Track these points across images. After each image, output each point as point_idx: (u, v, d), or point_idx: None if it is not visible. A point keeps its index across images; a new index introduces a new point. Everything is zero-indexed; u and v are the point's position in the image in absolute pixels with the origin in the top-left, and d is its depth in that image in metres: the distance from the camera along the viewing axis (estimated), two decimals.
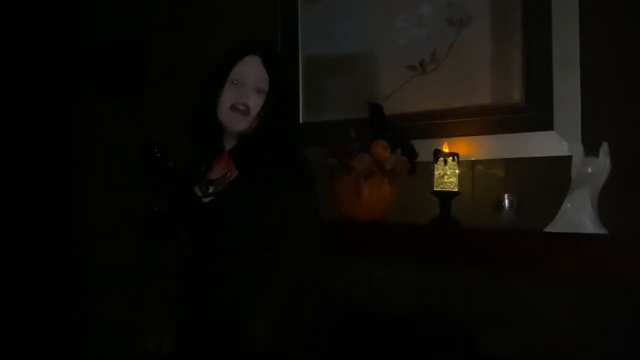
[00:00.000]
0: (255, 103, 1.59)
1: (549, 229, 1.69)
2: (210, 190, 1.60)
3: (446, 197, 1.92)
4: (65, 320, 3.12)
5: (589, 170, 1.68)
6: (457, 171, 1.93)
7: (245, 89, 1.59)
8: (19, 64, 3.02)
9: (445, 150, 1.95)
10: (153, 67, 3.02)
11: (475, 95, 2.03)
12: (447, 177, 1.92)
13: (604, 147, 1.66)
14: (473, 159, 2.02)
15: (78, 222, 3.19)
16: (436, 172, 1.94)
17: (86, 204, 3.18)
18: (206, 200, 1.60)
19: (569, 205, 1.68)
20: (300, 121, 2.46)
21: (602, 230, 1.63)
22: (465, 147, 2.01)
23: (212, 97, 1.61)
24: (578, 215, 1.65)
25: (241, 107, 1.58)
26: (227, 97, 1.60)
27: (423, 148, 2.03)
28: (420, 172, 2.03)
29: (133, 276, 2.92)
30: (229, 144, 1.65)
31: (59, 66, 3.14)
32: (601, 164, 1.67)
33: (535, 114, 1.89)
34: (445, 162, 1.92)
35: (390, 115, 2.11)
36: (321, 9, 2.43)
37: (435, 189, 1.94)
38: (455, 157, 1.93)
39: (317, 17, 2.44)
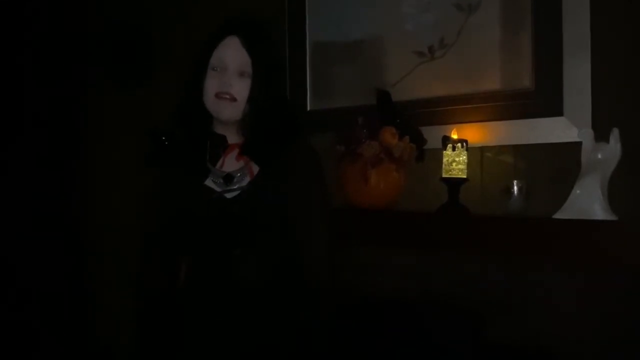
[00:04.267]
0: (240, 89, 1.51)
1: (559, 215, 1.68)
2: (236, 186, 1.54)
3: (455, 183, 1.91)
4: (70, 314, 3.14)
5: (599, 156, 1.67)
6: (465, 158, 1.92)
7: (227, 76, 1.51)
8: (26, 52, 3.03)
9: (454, 136, 1.94)
10: (161, 53, 3.01)
11: (485, 81, 2.01)
12: (456, 163, 1.91)
13: (615, 133, 1.65)
14: (482, 145, 2.00)
15: (85, 213, 3.20)
16: (445, 159, 1.93)
17: (93, 192, 3.19)
18: (230, 195, 1.54)
19: (578, 191, 1.67)
20: (308, 108, 2.45)
21: (612, 217, 1.62)
22: (474, 133, 1.99)
23: (197, 85, 1.54)
24: (588, 201, 1.64)
25: (226, 96, 1.50)
26: (210, 84, 1.52)
27: (431, 135, 2.02)
28: (428, 158, 2.02)
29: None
30: (221, 130, 1.58)
31: (67, 54, 3.14)
32: (611, 150, 1.65)
33: (545, 99, 1.88)
34: (454, 148, 1.91)
35: (399, 101, 2.10)
36: None
37: (443, 176, 1.93)
38: (464, 144, 1.92)
39: (324, 2, 2.42)
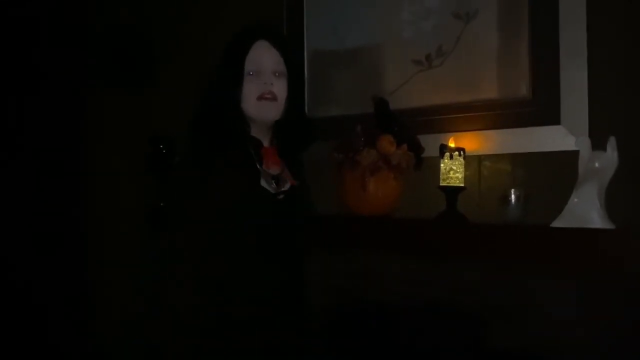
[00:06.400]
0: (280, 88, 1.55)
1: (556, 223, 1.68)
2: (284, 188, 1.57)
3: (452, 192, 1.92)
4: (72, 316, 3.13)
5: (597, 164, 1.67)
6: (463, 166, 1.93)
7: (266, 76, 1.54)
8: (25, 55, 3.03)
9: (452, 145, 1.94)
10: (159, 58, 3.01)
11: (482, 90, 2.02)
12: (453, 172, 1.92)
13: (612, 141, 1.65)
14: (479, 153, 2.01)
15: (85, 215, 3.20)
16: (442, 167, 1.93)
17: (93, 196, 3.19)
18: (280, 197, 1.56)
19: (576, 199, 1.67)
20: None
21: (610, 225, 1.62)
22: (472, 141, 2.00)
23: (234, 91, 1.54)
24: (585, 209, 1.64)
25: (268, 96, 1.53)
26: (250, 89, 1.54)
27: (429, 143, 2.02)
28: (426, 167, 2.03)
29: (139, 271, 2.93)
30: (256, 135, 1.60)
31: (65, 58, 3.14)
32: (609, 158, 1.66)
33: (542, 108, 1.89)
34: (452, 157, 1.92)
35: (396, 110, 2.10)
36: (327, 1, 2.42)
37: (441, 184, 1.93)
38: (462, 152, 1.93)
39: (322, 9, 2.43)
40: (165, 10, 3.00)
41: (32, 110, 3.05)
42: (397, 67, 2.21)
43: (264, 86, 1.53)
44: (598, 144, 1.69)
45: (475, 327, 1.87)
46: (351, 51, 2.35)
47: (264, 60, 1.55)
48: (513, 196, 1.83)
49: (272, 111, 1.55)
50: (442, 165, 1.93)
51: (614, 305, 1.67)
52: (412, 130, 2.06)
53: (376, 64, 2.28)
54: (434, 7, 2.12)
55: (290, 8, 2.52)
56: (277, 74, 1.55)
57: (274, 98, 1.54)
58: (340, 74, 2.39)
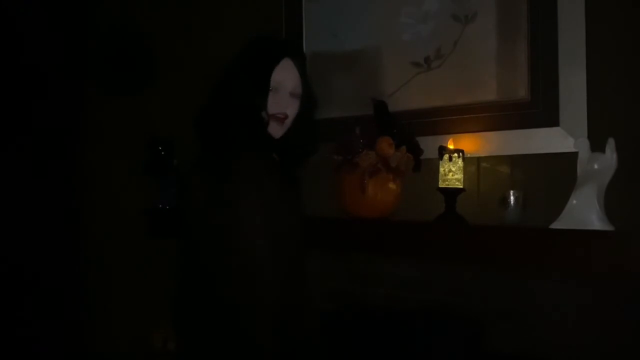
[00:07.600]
0: (292, 109, 1.58)
1: (555, 225, 1.68)
2: None
3: (451, 194, 1.92)
4: (70, 319, 3.13)
5: (595, 166, 1.67)
6: (462, 168, 1.93)
7: (283, 97, 1.56)
8: (24, 59, 3.03)
9: (451, 146, 1.95)
10: (158, 62, 3.02)
11: (481, 92, 2.02)
12: (452, 174, 1.92)
13: (611, 143, 1.66)
14: (478, 155, 2.01)
15: (83, 219, 3.20)
16: (441, 169, 1.93)
17: (91, 200, 3.19)
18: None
19: (575, 201, 1.67)
20: None
21: (609, 227, 1.62)
22: (471, 143, 2.00)
23: (258, 104, 1.53)
24: (584, 211, 1.64)
25: (281, 116, 1.55)
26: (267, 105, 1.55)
27: (428, 145, 2.02)
28: (425, 168, 2.03)
29: (138, 273, 2.93)
30: None
31: (64, 61, 3.15)
32: (607, 160, 1.66)
33: (541, 110, 1.89)
34: (451, 158, 1.92)
35: (395, 112, 2.10)
36: (326, 4, 2.42)
37: (440, 186, 1.93)
38: (461, 154, 1.93)
39: (321, 12, 2.43)
40: (165, 12, 3.00)
41: (31, 111, 3.05)
42: (396, 69, 2.21)
43: (278, 106, 1.55)
44: (597, 146, 1.69)
45: (475, 329, 1.87)
46: (350, 53, 2.35)
47: (285, 81, 1.56)
48: (512, 198, 1.83)
49: (279, 131, 1.58)
50: (441, 167, 1.93)
51: (613, 306, 1.67)
52: (411, 132, 2.06)
53: (375, 66, 2.28)
54: (433, 9, 2.12)
55: (289, 11, 2.52)
56: (292, 95, 1.57)
57: (284, 119, 1.56)
58: (339, 76, 2.39)
